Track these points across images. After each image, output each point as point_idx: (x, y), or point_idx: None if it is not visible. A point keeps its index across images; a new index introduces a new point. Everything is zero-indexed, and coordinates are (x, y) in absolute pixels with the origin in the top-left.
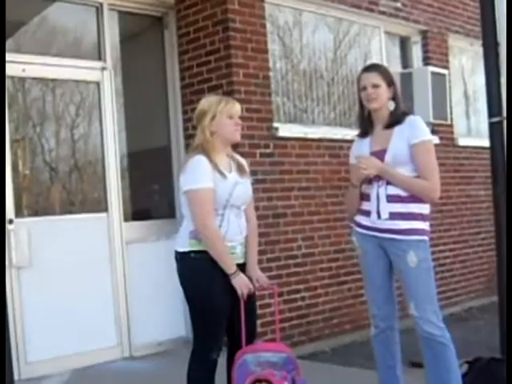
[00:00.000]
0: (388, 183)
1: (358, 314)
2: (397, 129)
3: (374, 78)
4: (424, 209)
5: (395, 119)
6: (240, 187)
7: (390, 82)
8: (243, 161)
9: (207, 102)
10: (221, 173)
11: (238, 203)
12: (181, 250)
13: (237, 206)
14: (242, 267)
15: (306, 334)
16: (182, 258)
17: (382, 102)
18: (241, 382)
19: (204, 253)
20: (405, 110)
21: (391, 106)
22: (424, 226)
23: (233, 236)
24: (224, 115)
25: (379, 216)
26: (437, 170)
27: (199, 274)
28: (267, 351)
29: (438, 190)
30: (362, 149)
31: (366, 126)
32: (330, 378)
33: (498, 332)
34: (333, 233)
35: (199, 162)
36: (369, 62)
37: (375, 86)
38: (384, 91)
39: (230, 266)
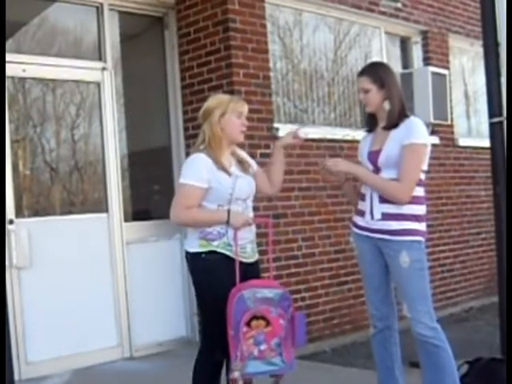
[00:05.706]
0: None
1: (358, 314)
2: (394, 130)
3: (364, 82)
4: (417, 210)
5: (391, 121)
6: (241, 180)
7: (383, 83)
8: (247, 157)
9: (216, 99)
10: (224, 169)
11: (242, 196)
12: (191, 250)
13: (242, 199)
14: (252, 267)
15: (307, 334)
16: (192, 258)
17: (374, 105)
18: (238, 317)
19: (215, 253)
20: (402, 111)
21: (386, 106)
22: (418, 226)
23: (241, 233)
24: (234, 113)
25: (372, 216)
26: (415, 173)
27: (211, 275)
28: (263, 287)
29: (406, 193)
30: (363, 147)
31: (370, 123)
32: (330, 378)
33: (498, 332)
34: (333, 233)
35: (196, 159)
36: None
37: (366, 91)
38: (375, 94)
39: (221, 217)
